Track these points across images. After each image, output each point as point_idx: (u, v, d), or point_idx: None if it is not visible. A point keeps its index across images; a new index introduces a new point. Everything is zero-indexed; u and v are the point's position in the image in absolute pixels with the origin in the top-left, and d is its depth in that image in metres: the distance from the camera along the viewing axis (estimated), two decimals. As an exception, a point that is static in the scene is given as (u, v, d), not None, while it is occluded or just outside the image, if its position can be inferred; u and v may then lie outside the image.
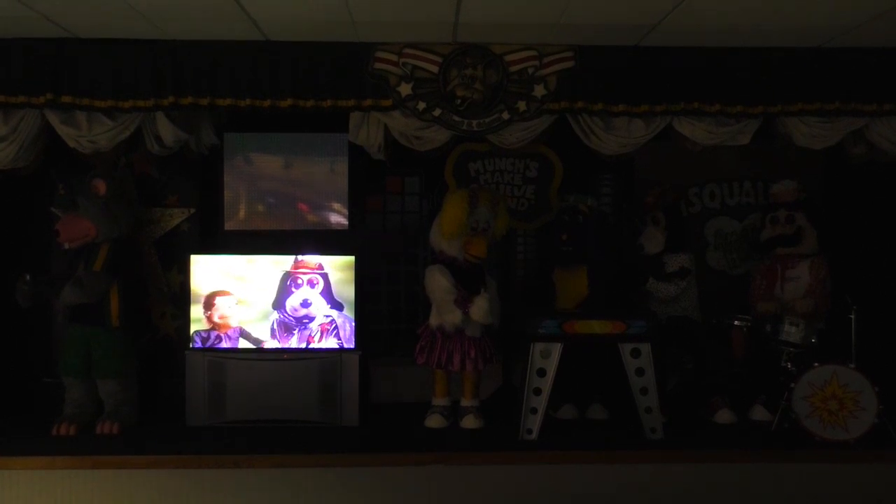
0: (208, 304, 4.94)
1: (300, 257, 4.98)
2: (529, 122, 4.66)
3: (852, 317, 4.67)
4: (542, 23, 4.25)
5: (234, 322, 4.96)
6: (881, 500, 4.26)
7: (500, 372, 5.54)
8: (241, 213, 5.30)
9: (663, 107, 4.62)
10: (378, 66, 4.55)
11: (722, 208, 6.01)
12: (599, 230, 5.13)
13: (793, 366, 4.72)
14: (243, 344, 4.96)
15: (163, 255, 5.32)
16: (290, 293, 4.97)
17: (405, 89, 4.56)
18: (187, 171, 5.30)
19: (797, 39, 4.52)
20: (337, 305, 4.98)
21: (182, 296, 5.16)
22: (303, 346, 4.95)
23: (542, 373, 4.53)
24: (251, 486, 4.16)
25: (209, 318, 4.95)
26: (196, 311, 4.95)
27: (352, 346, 4.96)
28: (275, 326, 4.96)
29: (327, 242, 5.29)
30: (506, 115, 4.62)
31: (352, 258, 4.98)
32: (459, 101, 4.55)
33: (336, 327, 4.97)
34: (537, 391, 4.54)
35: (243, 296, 4.96)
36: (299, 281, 4.96)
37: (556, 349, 4.54)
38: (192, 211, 5.33)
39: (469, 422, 4.86)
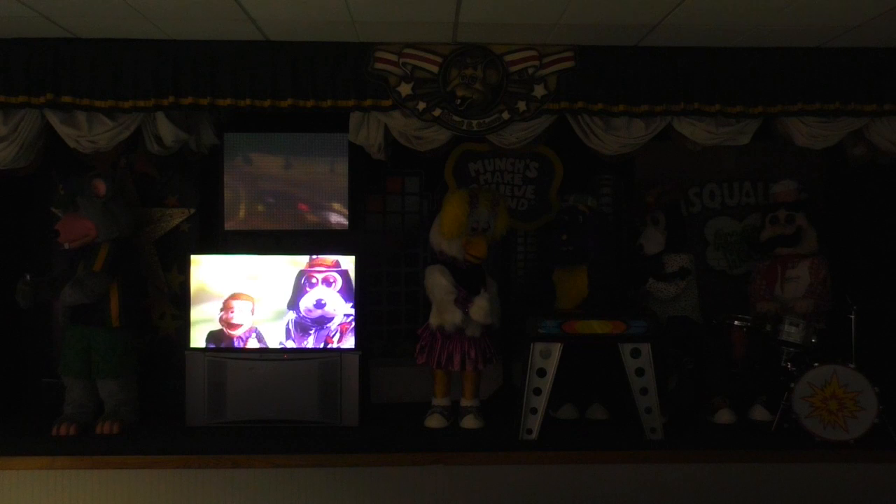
0: (226, 306, 4.92)
1: (315, 255, 4.95)
2: (529, 122, 4.66)
3: (852, 317, 4.66)
4: (542, 23, 4.25)
5: (248, 323, 4.93)
6: (881, 500, 4.26)
7: (500, 372, 5.54)
8: (242, 213, 5.30)
9: (663, 107, 4.62)
10: (378, 66, 4.55)
11: (722, 208, 6.01)
12: (599, 230, 5.13)
13: (793, 366, 4.72)
14: (255, 345, 4.93)
15: (163, 255, 5.32)
16: (304, 293, 4.94)
17: (405, 89, 4.56)
18: (187, 171, 5.30)
19: (797, 39, 4.52)
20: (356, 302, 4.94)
21: (182, 296, 5.16)
22: (320, 346, 4.92)
23: (542, 373, 4.53)
24: (251, 486, 4.17)
25: (225, 321, 4.92)
26: (209, 312, 4.92)
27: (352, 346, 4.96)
28: (290, 327, 4.94)
29: (327, 242, 5.28)
30: (506, 115, 4.62)
31: (351, 258, 4.97)
32: (459, 101, 4.55)
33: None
34: (537, 391, 4.54)
35: (257, 296, 4.93)
36: (314, 280, 4.92)
37: (556, 349, 4.54)
38: (192, 211, 5.33)
39: (469, 422, 4.86)
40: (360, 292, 5.03)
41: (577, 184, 5.66)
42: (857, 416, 4.45)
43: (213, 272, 4.95)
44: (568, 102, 4.61)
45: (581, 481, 4.25)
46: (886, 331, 5.35)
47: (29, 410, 5.09)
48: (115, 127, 4.56)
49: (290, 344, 4.94)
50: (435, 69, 4.55)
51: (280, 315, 4.95)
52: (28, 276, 4.69)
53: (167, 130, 4.64)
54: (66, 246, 4.78)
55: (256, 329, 4.94)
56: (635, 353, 4.53)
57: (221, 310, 4.92)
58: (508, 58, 4.57)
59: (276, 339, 4.94)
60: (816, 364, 4.54)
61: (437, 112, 4.59)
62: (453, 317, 4.75)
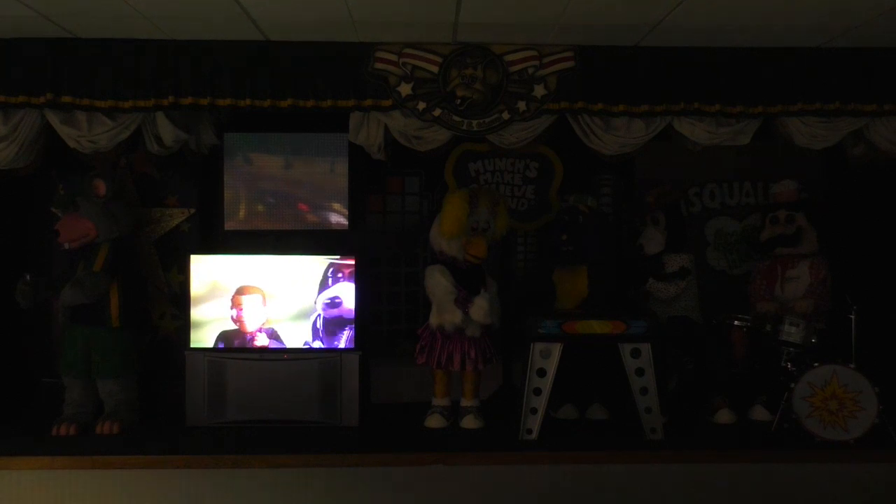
0: (235, 301, 4.91)
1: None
2: (529, 122, 4.66)
3: (852, 317, 4.66)
4: (542, 23, 4.25)
5: (259, 322, 4.92)
6: (881, 500, 4.26)
7: (500, 372, 5.54)
8: (242, 213, 5.30)
9: (663, 107, 4.62)
10: (378, 66, 4.55)
11: (722, 208, 6.02)
12: (599, 230, 5.13)
13: (793, 366, 4.72)
14: (274, 346, 4.92)
15: (163, 255, 5.32)
16: (326, 288, 4.89)
17: (405, 89, 4.56)
18: (187, 171, 5.30)
19: (797, 39, 4.52)
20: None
21: (182, 296, 5.16)
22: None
23: (542, 373, 4.53)
24: (251, 486, 4.16)
25: (237, 319, 4.91)
26: (220, 310, 4.91)
27: (351, 346, 4.95)
28: (318, 325, 4.92)
29: (327, 242, 5.28)
30: (506, 115, 4.62)
31: (351, 258, 4.97)
32: (459, 101, 4.55)
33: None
34: (537, 391, 4.54)
35: (271, 291, 4.90)
36: (339, 275, 4.88)
37: (556, 349, 4.53)
38: (192, 211, 5.33)
39: (469, 422, 4.86)
40: (360, 292, 5.02)
41: (577, 184, 5.66)
42: (857, 416, 4.45)
43: (240, 269, 4.93)
44: (568, 102, 4.61)
45: (581, 481, 4.24)
46: (886, 331, 5.36)
47: (29, 410, 5.09)
48: (115, 127, 4.56)
49: (318, 344, 4.91)
50: (435, 69, 4.55)
51: (304, 314, 4.91)
52: (28, 276, 4.69)
53: (167, 130, 4.64)
54: (67, 246, 4.77)
55: (272, 328, 4.91)
56: (635, 353, 4.53)
57: (231, 307, 4.91)
58: (508, 58, 4.57)
59: (299, 339, 4.91)
60: (816, 364, 4.54)
61: (437, 112, 4.59)
62: (453, 317, 4.75)
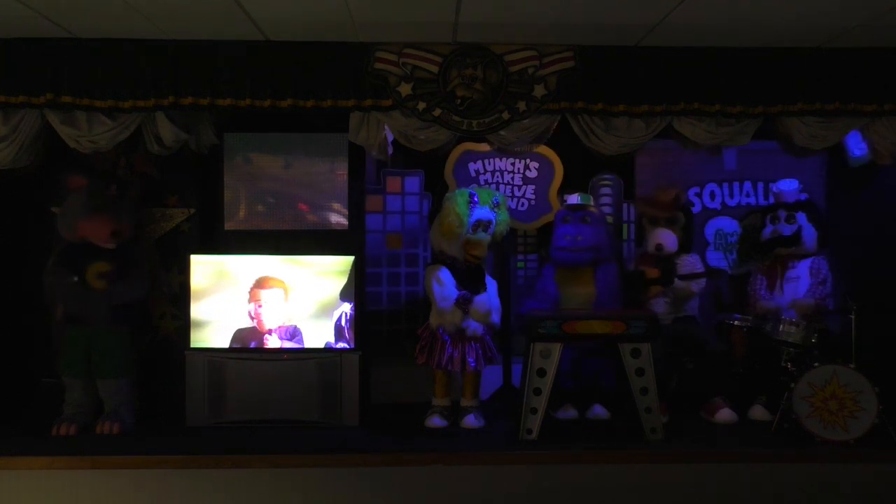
0: (253, 295, 4.89)
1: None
2: (529, 122, 4.66)
3: (852, 317, 4.66)
4: (542, 23, 4.25)
5: (279, 320, 4.90)
6: (881, 500, 4.26)
7: (500, 372, 5.54)
8: (242, 213, 5.30)
9: (663, 107, 4.62)
10: (378, 66, 4.55)
11: (722, 208, 6.01)
12: (600, 230, 5.12)
13: (793, 366, 4.72)
14: (290, 346, 4.91)
15: (163, 255, 5.31)
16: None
17: (405, 89, 4.56)
18: (187, 171, 5.29)
19: (797, 39, 4.52)
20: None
21: (182, 296, 5.15)
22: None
23: (542, 373, 4.53)
24: (251, 486, 4.16)
25: (254, 316, 4.89)
26: (229, 307, 4.90)
27: (351, 346, 4.95)
28: (343, 324, 4.89)
29: (327, 242, 5.28)
30: (506, 115, 4.62)
31: (351, 258, 4.97)
32: (459, 101, 4.55)
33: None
34: (537, 391, 4.54)
35: (291, 284, 4.88)
36: None
37: (556, 349, 4.53)
38: (192, 211, 5.32)
39: (469, 422, 4.86)
40: (360, 292, 5.02)
41: (577, 184, 5.66)
42: (857, 416, 4.45)
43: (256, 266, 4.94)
44: (568, 102, 4.61)
45: (581, 481, 4.24)
46: (886, 331, 5.35)
47: (29, 410, 5.08)
48: (115, 127, 4.56)
49: (342, 346, 4.89)
50: (435, 69, 4.55)
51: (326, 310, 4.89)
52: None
53: (167, 130, 4.64)
54: (108, 245, 4.82)
55: (294, 327, 4.89)
56: (635, 353, 4.53)
57: (249, 301, 4.89)
58: (508, 58, 4.57)
59: (321, 339, 4.90)
60: (816, 364, 4.53)
61: (437, 112, 4.58)
62: (453, 317, 4.75)
